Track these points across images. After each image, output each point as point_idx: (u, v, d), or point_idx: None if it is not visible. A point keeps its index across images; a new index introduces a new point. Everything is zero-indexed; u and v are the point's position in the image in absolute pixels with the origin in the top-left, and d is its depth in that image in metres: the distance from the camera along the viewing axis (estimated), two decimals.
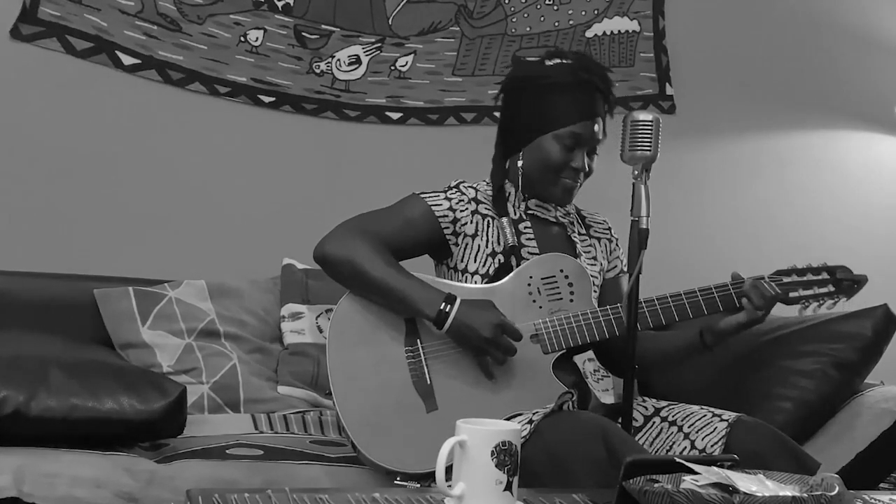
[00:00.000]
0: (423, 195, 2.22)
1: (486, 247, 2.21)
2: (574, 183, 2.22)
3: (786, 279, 2.13)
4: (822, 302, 2.14)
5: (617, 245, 2.36)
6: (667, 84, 3.48)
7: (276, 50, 3.12)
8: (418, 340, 2.13)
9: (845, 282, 2.14)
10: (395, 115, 3.25)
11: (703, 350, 2.19)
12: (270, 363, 2.78)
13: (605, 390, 2.87)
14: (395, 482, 2.05)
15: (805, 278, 2.14)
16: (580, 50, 3.14)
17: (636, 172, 2.01)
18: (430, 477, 1.96)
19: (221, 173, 3.09)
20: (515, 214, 2.25)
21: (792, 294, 2.12)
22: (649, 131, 2.00)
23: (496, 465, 1.51)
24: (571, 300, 2.17)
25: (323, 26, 3.16)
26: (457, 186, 2.25)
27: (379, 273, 2.10)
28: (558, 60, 2.22)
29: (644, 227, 1.99)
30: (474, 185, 2.26)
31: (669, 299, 2.13)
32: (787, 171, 3.62)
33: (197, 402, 2.59)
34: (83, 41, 2.93)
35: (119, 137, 3.00)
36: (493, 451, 1.51)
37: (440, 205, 2.21)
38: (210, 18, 3.05)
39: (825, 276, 2.15)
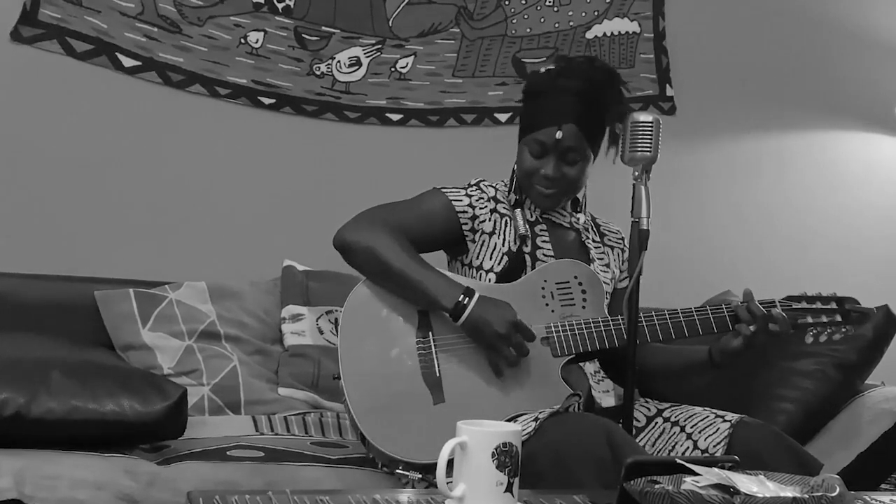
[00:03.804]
0: (444, 190, 2.24)
1: (503, 245, 2.22)
2: (546, 189, 2.21)
3: (795, 305, 2.13)
4: (832, 331, 2.13)
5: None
6: (667, 85, 3.49)
7: (277, 52, 3.12)
8: (430, 333, 2.13)
9: (853, 313, 2.14)
10: (396, 117, 3.25)
11: (712, 368, 2.19)
12: (271, 365, 2.78)
13: (606, 391, 2.87)
14: (397, 471, 2.06)
15: (814, 306, 2.14)
16: (588, 54, 3.10)
17: (636, 173, 2.02)
18: (431, 468, 1.96)
19: (221, 175, 3.09)
20: (532, 217, 2.26)
21: (801, 320, 2.13)
22: (649, 132, 2.00)
23: (497, 467, 1.51)
24: (584, 307, 2.18)
25: (323, 28, 3.16)
26: (477, 184, 2.27)
27: (399, 262, 2.11)
28: (551, 67, 2.23)
29: (644, 227, 1.99)
30: (493, 185, 2.28)
31: (667, 315, 2.14)
32: (787, 171, 3.62)
33: (197, 403, 2.59)
34: (83, 43, 2.94)
35: (119, 139, 3.00)
36: (493, 453, 1.51)
37: (460, 200, 2.22)
38: (210, 20, 3.06)
39: (833, 305, 2.15)
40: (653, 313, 2.13)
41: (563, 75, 2.19)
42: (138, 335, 2.67)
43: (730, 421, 2.03)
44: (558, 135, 2.16)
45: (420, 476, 2.03)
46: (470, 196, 2.23)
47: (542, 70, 2.25)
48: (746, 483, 1.51)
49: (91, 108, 2.97)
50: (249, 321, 2.81)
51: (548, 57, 3.35)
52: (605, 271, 2.29)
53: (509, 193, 2.27)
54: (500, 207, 2.24)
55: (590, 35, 3.41)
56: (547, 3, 3.36)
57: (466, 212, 2.22)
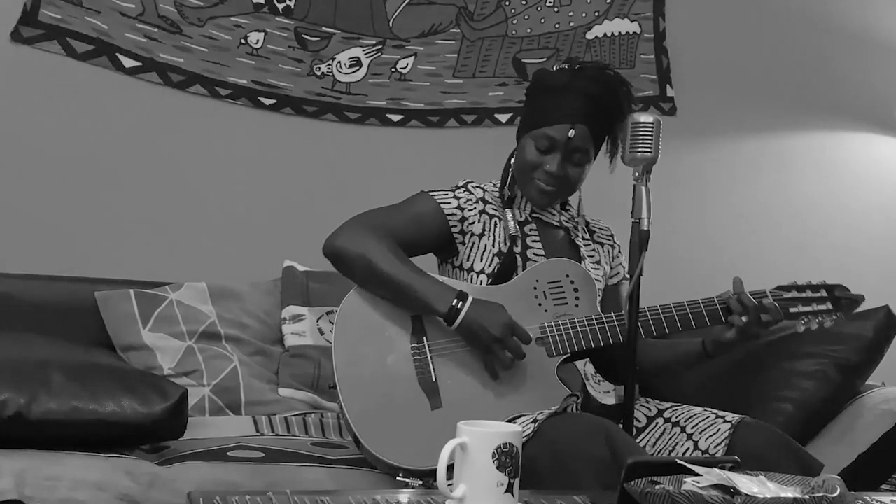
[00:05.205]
0: (431, 193, 2.23)
1: (493, 246, 2.21)
2: (546, 186, 2.20)
3: (786, 294, 2.14)
4: (822, 319, 2.14)
5: (619, 252, 2.36)
6: (667, 86, 3.49)
7: (277, 52, 3.12)
8: (424, 338, 2.13)
9: (843, 300, 2.15)
10: (396, 117, 3.25)
11: (706, 359, 2.20)
12: (271, 365, 2.78)
13: (607, 392, 2.87)
14: (398, 478, 2.05)
15: (804, 295, 2.15)
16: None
17: (637, 174, 2.02)
18: (432, 474, 1.96)
19: (222, 175, 3.09)
20: (521, 216, 2.25)
21: (792, 309, 2.13)
22: (650, 133, 2.00)
23: (497, 468, 1.51)
24: (577, 305, 2.18)
25: (323, 28, 3.16)
26: (465, 186, 2.26)
27: (391, 268, 2.10)
28: (565, 66, 2.22)
29: (645, 228, 1.99)
30: (482, 186, 2.27)
31: (660, 310, 2.14)
32: (787, 172, 3.62)
33: (198, 404, 2.59)
34: (84, 44, 2.94)
35: (120, 140, 3.00)
36: (493, 454, 1.51)
37: (449, 203, 2.22)
38: (210, 21, 3.06)
39: (823, 293, 2.15)
40: (646, 309, 2.12)
41: (581, 77, 2.18)
42: (139, 336, 2.67)
43: (730, 421, 2.03)
44: (571, 133, 2.16)
45: (421, 482, 2.02)
46: (458, 198, 2.23)
47: (557, 68, 2.23)
48: (747, 483, 1.51)
49: (91, 109, 2.97)
50: (250, 322, 2.81)
51: (548, 58, 3.35)
52: (596, 269, 2.29)
53: (503, 189, 2.26)
54: (488, 208, 2.24)
55: (590, 35, 3.41)
56: (547, 4, 3.36)
57: (455, 214, 2.21)
